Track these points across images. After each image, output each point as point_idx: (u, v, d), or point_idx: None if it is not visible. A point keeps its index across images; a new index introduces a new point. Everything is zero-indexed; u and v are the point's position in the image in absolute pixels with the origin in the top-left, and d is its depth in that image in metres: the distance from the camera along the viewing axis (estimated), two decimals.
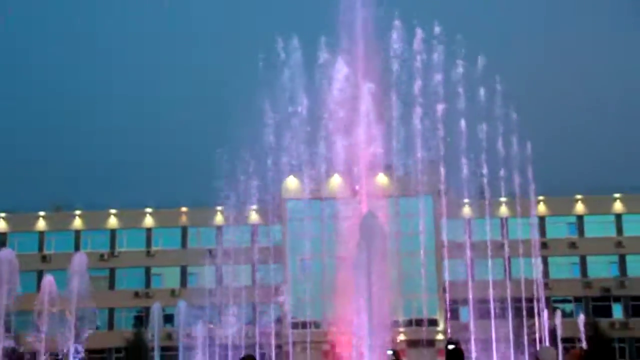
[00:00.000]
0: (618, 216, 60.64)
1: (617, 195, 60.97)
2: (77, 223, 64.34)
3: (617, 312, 59.52)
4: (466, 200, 62.25)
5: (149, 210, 64.14)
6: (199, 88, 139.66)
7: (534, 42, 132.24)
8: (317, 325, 56.12)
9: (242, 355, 12.76)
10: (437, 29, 36.39)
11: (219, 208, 63.81)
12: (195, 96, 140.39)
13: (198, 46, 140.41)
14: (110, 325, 62.41)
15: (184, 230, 63.67)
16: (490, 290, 47.85)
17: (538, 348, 46.61)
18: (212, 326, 58.89)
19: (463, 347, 41.99)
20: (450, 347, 9.04)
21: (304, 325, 58.27)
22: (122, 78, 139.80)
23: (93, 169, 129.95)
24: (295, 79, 36.72)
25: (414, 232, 59.59)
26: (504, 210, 61.77)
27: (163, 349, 55.80)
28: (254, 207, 63.76)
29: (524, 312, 49.23)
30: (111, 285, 63.34)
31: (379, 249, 15.37)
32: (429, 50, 37.36)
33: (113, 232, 64.15)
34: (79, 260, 27.44)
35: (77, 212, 64.61)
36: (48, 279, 28.07)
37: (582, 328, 44.30)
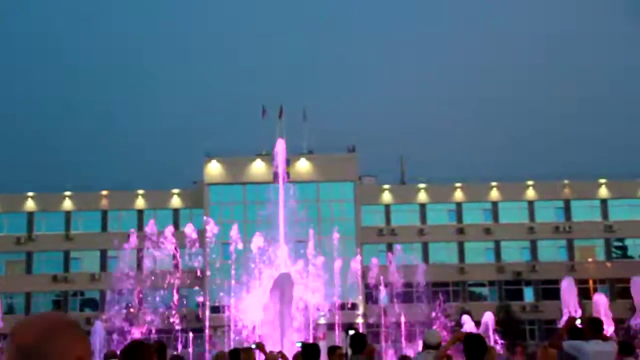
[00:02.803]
0: (530, 203, 62.86)
1: (530, 182, 63.19)
2: None
3: (529, 295, 61.83)
4: (386, 186, 63.60)
5: (67, 193, 62.95)
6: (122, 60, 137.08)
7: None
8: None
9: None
10: None
11: (140, 191, 63.23)
12: (120, 75, 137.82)
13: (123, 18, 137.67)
14: (27, 310, 61.17)
15: (104, 213, 62.77)
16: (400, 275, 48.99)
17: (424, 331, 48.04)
18: (132, 310, 58.54)
19: (379, 329, 43.00)
20: (351, 332, 9.62)
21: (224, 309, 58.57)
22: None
23: (9, 152, 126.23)
24: None
25: (335, 218, 60.50)
26: (423, 196, 63.20)
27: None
28: (176, 191, 63.50)
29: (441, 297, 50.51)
30: (28, 269, 62.03)
31: (288, 298, 20.85)
32: None
33: (30, 214, 62.75)
34: None
35: None
36: None
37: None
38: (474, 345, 6.85)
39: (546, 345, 10.60)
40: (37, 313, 2.26)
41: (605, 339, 7.95)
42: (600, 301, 27.56)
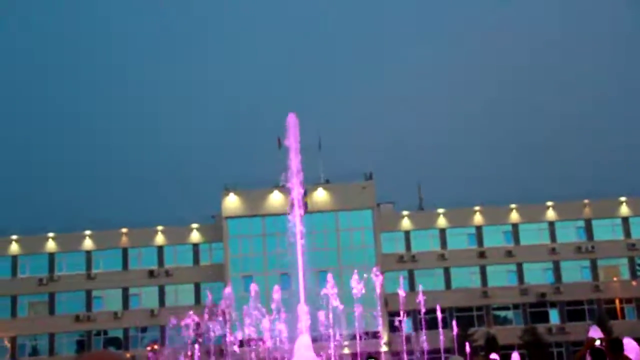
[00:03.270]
0: (551, 224, 62.39)
1: (549, 203, 62.77)
2: (15, 248, 63.12)
3: (554, 317, 61.12)
4: (405, 213, 63.42)
5: (88, 232, 63.32)
6: (133, 115, 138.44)
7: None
8: (263, 341, 56.08)
9: None
10: None
11: (160, 228, 63.47)
12: (130, 113, 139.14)
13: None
14: (51, 351, 61.26)
15: (125, 251, 63.02)
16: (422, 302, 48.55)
17: (444, 357, 47.44)
18: (156, 347, 58.48)
19: (406, 357, 42.60)
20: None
21: (249, 342, 58.30)
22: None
23: (27, 193, 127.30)
24: None
25: (354, 246, 60.35)
26: (442, 221, 62.92)
27: None
28: (195, 225, 63.67)
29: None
30: (51, 310, 62.23)
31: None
32: None
33: (52, 255, 63.12)
34: None
35: (14, 237, 63.36)
36: None
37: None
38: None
39: None
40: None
41: (626, 359, 7.84)
42: (630, 345, 25.54)
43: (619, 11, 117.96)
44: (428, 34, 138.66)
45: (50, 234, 63.36)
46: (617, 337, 9.76)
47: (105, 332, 62.63)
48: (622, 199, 62.45)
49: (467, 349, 45.59)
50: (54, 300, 62.33)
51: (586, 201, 62.44)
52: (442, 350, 47.17)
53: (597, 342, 8.03)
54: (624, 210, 62.31)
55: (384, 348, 53.50)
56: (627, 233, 61.87)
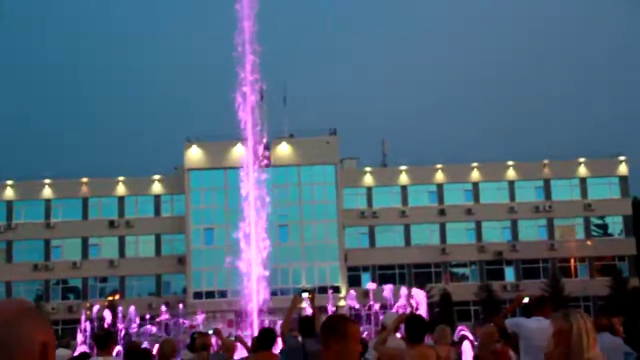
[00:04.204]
0: (511, 183, 63.19)
1: (510, 162, 63.48)
2: None
3: (510, 275, 62.30)
4: (368, 169, 63.72)
5: (47, 181, 62.49)
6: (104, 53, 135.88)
7: None
8: (222, 294, 56.40)
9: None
10: None
11: (121, 178, 62.89)
12: (103, 63, 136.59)
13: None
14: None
15: (85, 201, 62.40)
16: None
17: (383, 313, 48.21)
18: (116, 297, 58.49)
19: (363, 313, 43.13)
20: (305, 294, 9.53)
21: (208, 294, 58.58)
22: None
23: None
24: None
25: (316, 201, 60.60)
26: (404, 178, 63.35)
27: (64, 322, 55.09)
28: (157, 177, 63.24)
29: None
30: (8, 259, 61.61)
31: None
32: None
33: (10, 203, 62.25)
34: None
35: None
36: None
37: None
38: (416, 325, 7.28)
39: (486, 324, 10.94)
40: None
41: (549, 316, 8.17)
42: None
43: None
44: None
45: (9, 182, 62.39)
46: (544, 295, 10.07)
47: (65, 282, 62.34)
48: (581, 159, 63.36)
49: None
50: (11, 248, 61.68)
51: (546, 161, 63.26)
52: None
53: (526, 300, 8.46)
54: (582, 171, 63.27)
55: (342, 302, 54.12)
56: (584, 194, 62.96)
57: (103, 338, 8.17)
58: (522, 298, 8.54)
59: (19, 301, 2.17)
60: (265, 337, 8.68)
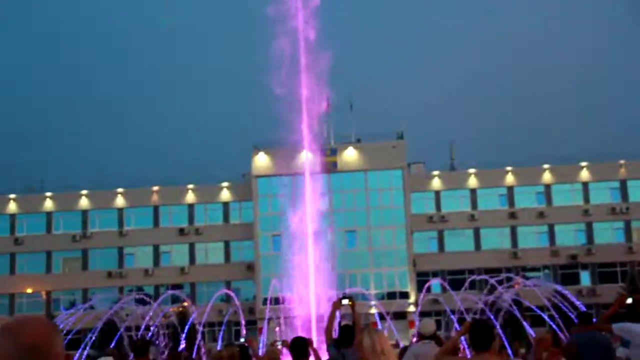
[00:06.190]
0: (585, 184, 61.44)
1: (583, 163, 61.75)
2: (49, 205, 64.04)
3: (585, 279, 60.54)
4: (435, 173, 62.92)
5: (120, 190, 63.93)
6: (166, 84, 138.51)
7: None
8: (290, 301, 56.46)
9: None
10: None
11: (190, 186, 63.83)
12: (161, 83, 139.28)
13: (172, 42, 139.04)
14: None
15: (156, 209, 63.58)
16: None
17: (418, 321, 47.03)
18: (187, 304, 59.23)
19: (433, 318, 42.53)
20: (345, 301, 9.00)
21: (276, 301, 58.72)
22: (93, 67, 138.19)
23: (63, 151, 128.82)
24: None
25: (384, 206, 60.16)
26: (473, 181, 62.35)
27: (137, 328, 56.08)
28: (225, 184, 63.93)
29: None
30: (84, 266, 63.27)
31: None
32: None
33: (85, 212, 63.92)
34: None
35: (48, 193, 64.26)
36: None
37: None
38: (482, 331, 6.38)
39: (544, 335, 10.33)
40: (26, 315, 2.42)
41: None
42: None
43: None
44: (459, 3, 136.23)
45: (84, 192, 64.06)
46: None
47: (141, 288, 63.52)
48: None
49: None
50: (87, 256, 63.30)
51: (622, 161, 61.23)
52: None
53: (629, 300, 7.86)
54: None
55: (411, 308, 53.54)
56: None
57: (141, 348, 8.73)
58: (625, 299, 8.04)
59: (44, 318, 2.37)
60: (299, 346, 8.18)
